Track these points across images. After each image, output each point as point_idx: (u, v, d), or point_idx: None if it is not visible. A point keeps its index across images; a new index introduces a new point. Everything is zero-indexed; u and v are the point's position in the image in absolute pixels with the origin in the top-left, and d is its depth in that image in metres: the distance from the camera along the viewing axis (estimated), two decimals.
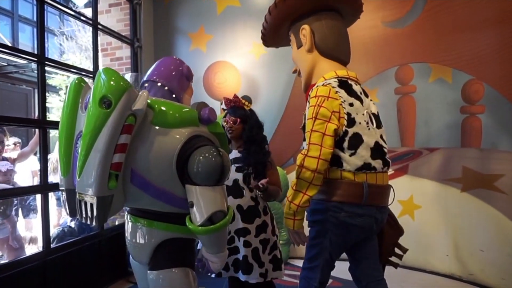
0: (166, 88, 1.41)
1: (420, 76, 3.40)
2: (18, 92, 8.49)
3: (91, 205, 1.16)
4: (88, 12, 3.83)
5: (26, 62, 6.43)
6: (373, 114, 1.61)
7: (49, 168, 2.90)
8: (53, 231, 3.48)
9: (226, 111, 2.03)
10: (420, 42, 3.38)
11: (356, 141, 1.48)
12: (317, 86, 1.53)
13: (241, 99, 2.05)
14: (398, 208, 3.34)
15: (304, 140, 1.54)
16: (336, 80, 1.55)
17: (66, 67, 3.48)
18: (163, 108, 1.26)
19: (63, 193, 1.33)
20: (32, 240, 4.14)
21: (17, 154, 3.66)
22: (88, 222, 1.21)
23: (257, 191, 1.87)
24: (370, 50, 3.54)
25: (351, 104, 1.50)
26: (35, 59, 2.80)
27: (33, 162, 4.29)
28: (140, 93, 1.18)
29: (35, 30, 2.89)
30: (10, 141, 4.04)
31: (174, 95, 1.41)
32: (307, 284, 1.59)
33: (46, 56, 2.90)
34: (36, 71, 2.84)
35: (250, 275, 1.84)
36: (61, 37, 10.06)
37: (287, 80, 3.80)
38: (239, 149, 1.99)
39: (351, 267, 1.69)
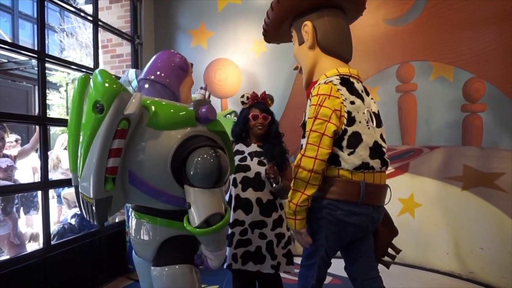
0: (160, 83, 1.40)
1: (421, 74, 3.39)
2: (18, 89, 8.50)
3: (91, 205, 1.17)
4: (89, 8, 3.81)
5: (27, 58, 6.43)
6: (374, 113, 1.60)
7: (49, 165, 2.89)
8: (54, 228, 3.49)
9: (249, 106, 2.05)
10: (421, 40, 3.38)
11: (355, 140, 1.48)
12: (318, 84, 1.52)
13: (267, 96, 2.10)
14: (399, 206, 3.34)
15: (303, 137, 1.53)
16: (338, 77, 1.54)
17: (66, 64, 3.47)
18: (158, 109, 1.24)
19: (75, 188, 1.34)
20: (33, 237, 4.15)
21: (17, 151, 3.67)
22: (91, 220, 1.23)
23: (272, 182, 1.88)
24: (371, 48, 3.53)
25: (352, 102, 1.50)
26: (36, 56, 2.80)
27: (34, 159, 4.30)
28: (133, 95, 1.15)
29: (35, 26, 2.88)
30: (11, 137, 4.05)
31: (168, 89, 1.40)
32: (305, 282, 1.60)
33: (46, 52, 2.90)
34: (36, 68, 2.83)
35: (262, 265, 1.89)
36: (62, 34, 10.06)
37: (287, 78, 3.80)
38: (258, 144, 2.04)
39: (346, 266, 1.69)
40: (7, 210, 3.42)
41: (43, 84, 2.76)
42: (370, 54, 3.54)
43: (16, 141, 4.12)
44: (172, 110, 1.28)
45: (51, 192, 4.11)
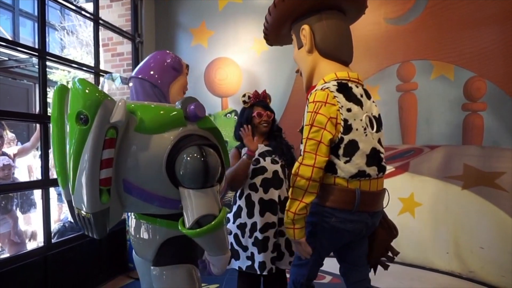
0: (148, 81, 1.38)
1: (422, 73, 3.39)
2: (19, 87, 8.49)
3: (88, 219, 1.13)
4: (89, 7, 3.80)
5: (27, 56, 6.43)
6: (374, 117, 1.58)
7: (50, 163, 2.89)
8: (54, 226, 3.49)
9: (250, 104, 2.05)
10: (422, 39, 3.37)
11: (352, 148, 1.47)
12: (315, 91, 1.50)
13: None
14: (399, 205, 3.34)
15: (301, 143, 1.52)
16: (335, 83, 1.51)
17: (67, 62, 3.48)
18: (145, 113, 1.19)
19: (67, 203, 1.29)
20: (32, 235, 4.16)
21: (17, 149, 3.66)
22: (90, 234, 1.19)
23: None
24: (372, 47, 3.53)
25: (349, 110, 1.48)
26: (36, 54, 2.80)
27: (29, 158, 4.27)
28: (117, 102, 1.10)
29: (36, 24, 2.88)
30: (9, 135, 4.03)
31: (157, 88, 1.37)
32: (295, 280, 1.62)
33: (47, 50, 2.90)
34: (37, 66, 2.83)
35: (281, 262, 1.91)
36: (62, 32, 10.05)
37: (288, 77, 3.80)
38: (264, 143, 2.04)
39: (340, 267, 1.70)
40: (7, 208, 3.42)
41: (43, 82, 2.76)
42: (371, 53, 3.53)
43: (12, 140, 4.08)
44: (159, 112, 1.23)
45: (52, 191, 4.11)
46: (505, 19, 2.98)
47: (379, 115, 1.62)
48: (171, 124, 1.21)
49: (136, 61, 3.97)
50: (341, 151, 1.46)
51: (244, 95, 2.06)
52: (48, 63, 2.88)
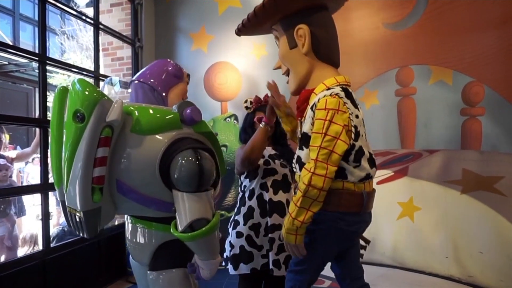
0: (149, 85, 1.39)
1: (421, 78, 3.40)
2: (18, 91, 8.50)
3: (80, 218, 1.14)
4: (90, 11, 3.83)
5: (27, 61, 6.43)
6: (362, 119, 1.57)
7: (49, 167, 2.89)
8: (53, 230, 3.49)
9: (254, 110, 2.08)
10: (421, 44, 3.39)
11: (360, 154, 1.47)
12: (324, 97, 1.44)
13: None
14: (398, 209, 3.34)
15: (300, 149, 1.52)
16: (340, 88, 1.48)
17: (67, 66, 3.49)
18: (142, 114, 1.21)
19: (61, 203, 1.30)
20: (32, 238, 4.13)
21: (16, 153, 3.65)
22: (80, 234, 1.19)
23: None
24: (371, 51, 3.55)
25: (357, 116, 1.47)
26: (36, 58, 2.81)
27: (19, 164, 4.24)
28: (114, 102, 1.13)
29: (36, 29, 2.89)
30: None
31: (157, 92, 1.39)
32: (294, 287, 1.58)
33: (47, 55, 2.91)
34: (37, 70, 2.84)
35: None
36: (62, 37, 10.08)
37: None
38: (271, 147, 2.06)
39: (334, 267, 1.68)
40: (6, 212, 3.41)
41: (43, 86, 2.76)
42: (370, 57, 3.55)
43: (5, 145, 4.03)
44: (155, 114, 1.24)
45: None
46: (503, 25, 2.99)
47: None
48: (166, 126, 1.22)
49: (136, 65, 3.98)
50: (351, 157, 1.45)
51: (246, 101, 2.10)
52: (48, 67, 2.88)
